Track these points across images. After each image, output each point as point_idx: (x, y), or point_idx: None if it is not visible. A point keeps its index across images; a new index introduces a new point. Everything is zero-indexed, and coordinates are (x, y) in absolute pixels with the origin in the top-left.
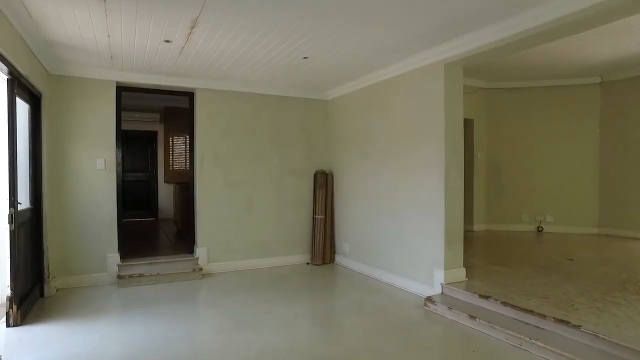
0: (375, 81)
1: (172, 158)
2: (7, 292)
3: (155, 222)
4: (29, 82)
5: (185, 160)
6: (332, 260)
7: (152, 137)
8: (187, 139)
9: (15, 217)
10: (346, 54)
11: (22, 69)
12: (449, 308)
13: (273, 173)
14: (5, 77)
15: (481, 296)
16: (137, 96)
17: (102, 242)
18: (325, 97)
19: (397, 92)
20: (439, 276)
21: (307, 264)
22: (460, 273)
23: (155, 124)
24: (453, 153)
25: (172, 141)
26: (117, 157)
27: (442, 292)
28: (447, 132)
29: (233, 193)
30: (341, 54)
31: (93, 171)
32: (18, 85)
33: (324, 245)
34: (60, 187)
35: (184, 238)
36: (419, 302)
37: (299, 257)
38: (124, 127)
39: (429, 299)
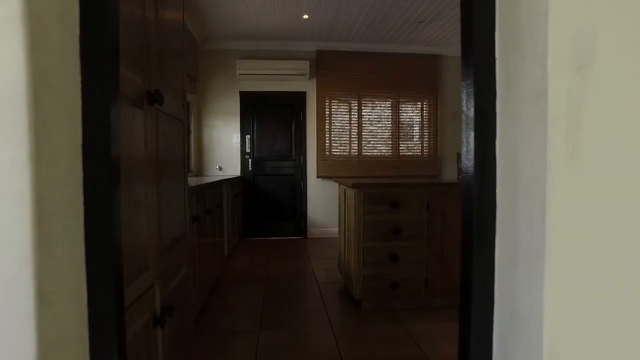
0: None
1: (330, 136)
2: None
3: (300, 245)
4: None
5: (350, 141)
6: None
7: (298, 101)
8: (355, 103)
9: None
10: None
11: None
12: None
13: None
14: None
15: None
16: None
17: None
18: None
19: None
20: None
21: None
22: None
23: (301, 80)
24: None
25: (330, 107)
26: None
27: None
28: None
29: None
30: None
31: None
32: None
33: None
34: None
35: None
36: None
37: None
38: (252, 88)
39: None
